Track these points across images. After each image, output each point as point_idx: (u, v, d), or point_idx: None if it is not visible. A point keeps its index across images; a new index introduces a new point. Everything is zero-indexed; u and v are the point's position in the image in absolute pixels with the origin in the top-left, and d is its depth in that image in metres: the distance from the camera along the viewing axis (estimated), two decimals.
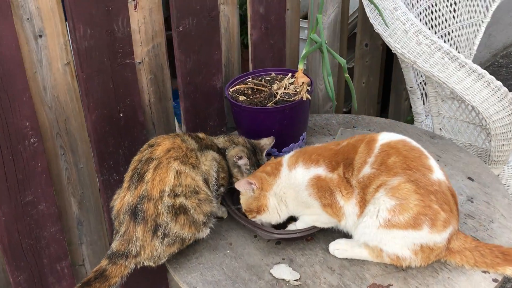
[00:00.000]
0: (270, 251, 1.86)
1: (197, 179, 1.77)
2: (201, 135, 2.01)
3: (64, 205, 2.13)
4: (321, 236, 1.89)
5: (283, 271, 1.77)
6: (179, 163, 1.74)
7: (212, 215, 1.83)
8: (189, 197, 1.73)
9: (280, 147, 2.20)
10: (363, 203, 1.68)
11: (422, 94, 3.01)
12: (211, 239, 1.89)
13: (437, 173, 1.68)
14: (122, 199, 1.72)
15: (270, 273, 1.77)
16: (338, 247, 1.81)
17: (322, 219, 1.79)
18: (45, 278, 2.05)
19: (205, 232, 1.82)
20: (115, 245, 1.70)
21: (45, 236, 1.99)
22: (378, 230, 1.65)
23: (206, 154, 1.85)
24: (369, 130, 2.50)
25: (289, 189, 1.78)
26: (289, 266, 1.79)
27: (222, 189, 1.93)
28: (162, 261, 1.75)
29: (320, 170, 1.72)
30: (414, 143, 1.75)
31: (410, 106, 3.08)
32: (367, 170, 1.68)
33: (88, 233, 2.25)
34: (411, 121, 3.93)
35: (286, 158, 1.84)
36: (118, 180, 2.13)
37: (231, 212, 1.93)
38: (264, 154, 2.03)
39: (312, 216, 1.80)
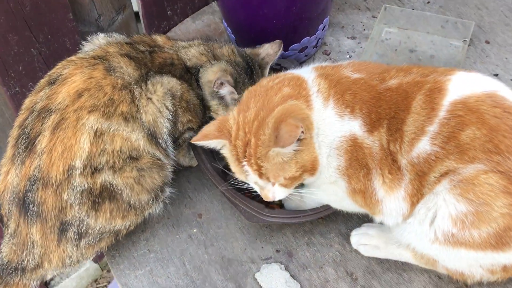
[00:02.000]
0: (259, 234, 1.23)
1: (133, 139, 1.06)
2: (160, 39, 1.24)
3: None
4: (340, 212, 1.22)
5: (275, 279, 1.15)
6: (99, 117, 1.03)
7: (166, 185, 1.16)
8: (120, 170, 1.05)
9: (286, 44, 1.42)
10: (417, 199, 0.99)
11: None
12: (171, 205, 1.24)
13: None
14: (5, 176, 1.04)
15: (256, 279, 1.15)
16: (365, 241, 1.16)
17: (345, 205, 1.12)
18: None
19: (156, 207, 1.16)
20: (5, 250, 1.07)
21: None
22: (432, 245, 0.98)
23: (155, 87, 1.11)
24: (428, 2, 1.65)
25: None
26: (286, 269, 1.16)
27: (187, 135, 1.22)
28: (86, 261, 1.13)
29: (356, 127, 1.01)
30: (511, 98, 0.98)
31: None
32: (425, 146, 0.97)
33: None
34: None
35: (313, 79, 1.06)
36: None
37: (205, 169, 1.24)
38: (267, 70, 1.25)
39: (330, 196, 1.11)
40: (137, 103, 1.08)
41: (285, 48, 1.44)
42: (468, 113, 0.95)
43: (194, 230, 1.25)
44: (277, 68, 1.40)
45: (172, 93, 1.14)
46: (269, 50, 1.27)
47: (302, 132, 0.96)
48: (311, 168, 1.02)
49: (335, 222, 1.23)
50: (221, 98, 1.21)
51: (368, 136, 1.00)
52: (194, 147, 1.28)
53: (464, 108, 0.95)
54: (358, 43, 1.57)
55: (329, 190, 1.09)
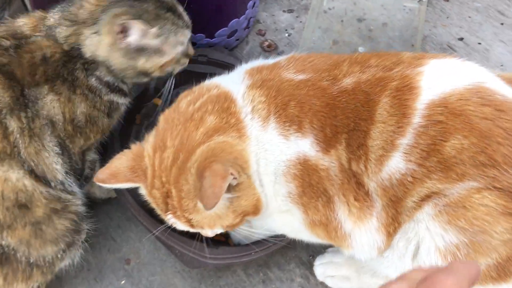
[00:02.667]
0: (203, 277, 1.01)
1: (14, 179, 0.80)
2: (27, 21, 0.91)
3: None
4: None
5: None
6: None
7: (79, 224, 0.91)
8: (9, 228, 0.79)
9: (212, 31, 1.16)
10: (394, 228, 0.78)
11: None
12: (90, 251, 0.99)
13: None
14: None
15: None
16: (332, 272, 0.96)
17: (304, 237, 0.90)
18: None
19: (73, 257, 0.92)
20: None
21: None
22: None
23: (40, 105, 0.84)
24: None
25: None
26: None
27: (94, 155, 0.97)
28: None
29: (306, 146, 0.78)
30: (503, 91, 0.77)
31: None
32: (397, 164, 0.74)
33: None
34: None
35: (244, 93, 0.81)
36: None
37: (126, 203, 0.99)
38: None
39: (284, 227, 0.90)
40: (12, 131, 0.81)
41: (211, 35, 1.18)
42: (451, 117, 0.73)
43: (123, 282, 1.01)
44: (203, 60, 1.15)
45: (51, 120, 0.86)
46: None
47: (234, 178, 0.73)
48: (254, 211, 0.79)
49: (294, 249, 1.01)
50: (143, 49, 0.89)
51: (323, 156, 0.77)
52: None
53: (445, 111, 0.73)
54: (297, 16, 1.32)
55: (283, 220, 0.87)
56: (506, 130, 0.72)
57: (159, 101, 1.18)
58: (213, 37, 1.19)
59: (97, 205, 1.05)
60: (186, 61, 0.98)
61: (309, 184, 0.79)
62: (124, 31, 0.86)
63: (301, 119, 0.78)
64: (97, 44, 0.87)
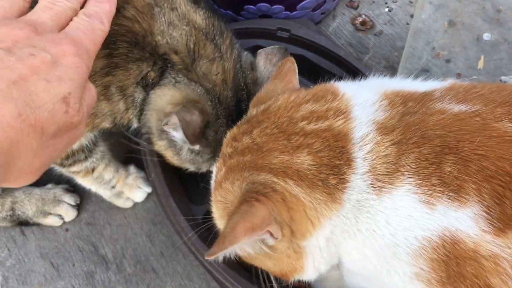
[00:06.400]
0: None
1: None
2: None
3: None
4: None
5: None
6: None
7: None
8: None
9: (293, 3, 0.90)
10: None
11: None
12: (125, 284, 0.77)
13: None
14: None
15: None
16: None
17: None
18: None
19: None
20: None
21: None
22: None
23: None
24: None
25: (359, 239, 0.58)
26: None
27: None
28: None
29: (465, 220, 0.52)
30: None
31: None
32: None
33: None
34: None
35: (366, 134, 0.56)
36: None
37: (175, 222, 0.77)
38: None
39: None
40: None
41: (291, 7, 0.91)
42: None
43: None
44: (283, 36, 0.89)
45: None
46: (265, 72, 0.75)
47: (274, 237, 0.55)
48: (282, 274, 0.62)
49: None
50: (172, 141, 0.71)
51: (492, 238, 0.51)
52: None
53: None
54: None
55: None
56: None
57: None
58: (295, 9, 0.92)
59: (137, 224, 0.83)
60: None
61: (458, 275, 0.54)
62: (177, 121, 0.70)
63: (462, 183, 0.52)
64: (157, 94, 0.73)
